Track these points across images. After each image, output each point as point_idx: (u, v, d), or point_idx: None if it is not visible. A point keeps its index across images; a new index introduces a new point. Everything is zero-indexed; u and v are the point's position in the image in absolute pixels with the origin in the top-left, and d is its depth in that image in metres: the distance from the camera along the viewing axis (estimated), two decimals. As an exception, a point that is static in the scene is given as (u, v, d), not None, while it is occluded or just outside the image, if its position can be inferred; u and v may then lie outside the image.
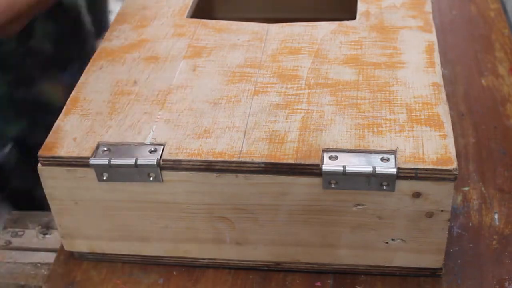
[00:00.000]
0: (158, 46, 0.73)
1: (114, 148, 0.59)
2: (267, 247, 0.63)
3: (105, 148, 0.59)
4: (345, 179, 0.56)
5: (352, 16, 0.76)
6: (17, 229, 0.79)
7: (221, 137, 0.60)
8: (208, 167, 0.58)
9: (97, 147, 0.60)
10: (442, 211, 0.58)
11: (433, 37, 0.72)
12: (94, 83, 0.68)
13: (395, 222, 0.59)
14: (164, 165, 0.58)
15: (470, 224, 0.68)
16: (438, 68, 0.67)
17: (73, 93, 0.67)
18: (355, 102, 0.63)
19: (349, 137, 0.59)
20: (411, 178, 0.56)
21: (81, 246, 0.66)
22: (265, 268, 0.65)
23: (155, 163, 0.58)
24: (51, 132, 0.62)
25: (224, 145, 0.59)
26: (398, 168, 0.55)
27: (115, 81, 0.68)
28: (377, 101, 0.63)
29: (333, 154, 0.57)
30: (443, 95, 0.63)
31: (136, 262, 0.66)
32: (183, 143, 0.59)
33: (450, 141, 0.58)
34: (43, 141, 0.61)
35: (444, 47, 0.93)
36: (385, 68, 0.67)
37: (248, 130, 0.60)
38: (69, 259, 0.67)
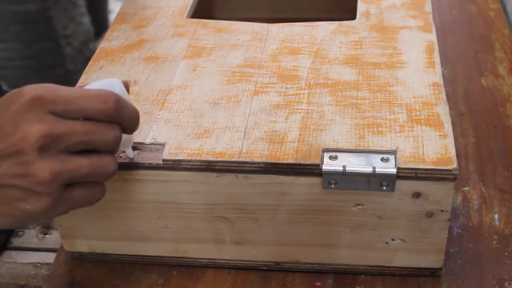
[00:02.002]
0: (158, 46, 0.73)
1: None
2: (267, 247, 0.63)
3: None
4: (345, 179, 0.56)
5: (352, 16, 0.76)
6: (17, 229, 0.79)
7: (221, 137, 0.60)
8: (208, 167, 0.58)
9: None
10: (442, 211, 0.58)
11: (433, 37, 0.72)
12: (94, 83, 0.68)
13: (395, 222, 0.59)
14: (164, 165, 0.58)
15: (470, 224, 0.68)
16: (438, 68, 0.67)
17: (73, 93, 0.67)
18: (355, 102, 0.63)
19: (349, 137, 0.59)
20: (411, 178, 0.56)
21: (81, 246, 0.66)
22: (265, 268, 0.65)
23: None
24: (51, 132, 0.62)
25: (224, 145, 0.59)
26: (398, 168, 0.55)
27: (115, 81, 0.68)
28: (377, 101, 0.63)
29: (333, 154, 0.57)
30: (443, 95, 0.63)
31: (136, 262, 0.66)
32: (183, 143, 0.59)
33: (450, 141, 0.58)
34: None
35: (444, 47, 0.93)
36: (385, 68, 0.67)
37: (248, 130, 0.60)
38: (69, 259, 0.67)
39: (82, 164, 0.49)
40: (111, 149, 0.51)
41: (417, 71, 0.66)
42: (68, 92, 0.48)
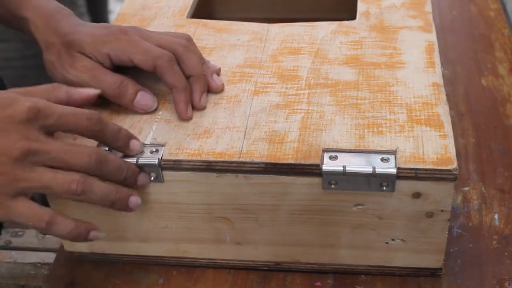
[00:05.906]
0: (158, 46, 0.73)
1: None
2: (267, 247, 0.63)
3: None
4: (345, 179, 0.56)
5: (352, 16, 0.76)
6: (17, 229, 0.79)
7: (221, 137, 0.60)
8: (208, 167, 0.58)
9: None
10: (442, 211, 0.58)
11: (433, 37, 0.72)
12: (94, 83, 0.68)
13: (395, 222, 0.59)
14: (165, 165, 0.58)
15: (470, 224, 0.68)
16: (438, 68, 0.67)
17: (73, 93, 0.67)
18: (355, 102, 0.63)
19: (349, 137, 0.59)
20: (411, 178, 0.56)
21: (81, 246, 0.66)
22: (265, 268, 0.65)
23: (156, 163, 0.58)
24: (51, 132, 0.62)
25: (224, 145, 0.59)
26: (398, 168, 0.55)
27: (115, 81, 0.68)
28: (377, 101, 0.63)
29: (333, 154, 0.57)
30: (443, 95, 0.63)
31: (136, 262, 0.66)
32: (183, 143, 0.59)
33: (450, 141, 0.58)
34: None
35: (444, 47, 0.93)
36: (385, 68, 0.67)
37: (248, 130, 0.60)
38: (69, 259, 0.67)
39: (44, 175, 0.53)
40: (84, 170, 0.54)
41: (417, 71, 0.66)
42: (60, 108, 0.53)
